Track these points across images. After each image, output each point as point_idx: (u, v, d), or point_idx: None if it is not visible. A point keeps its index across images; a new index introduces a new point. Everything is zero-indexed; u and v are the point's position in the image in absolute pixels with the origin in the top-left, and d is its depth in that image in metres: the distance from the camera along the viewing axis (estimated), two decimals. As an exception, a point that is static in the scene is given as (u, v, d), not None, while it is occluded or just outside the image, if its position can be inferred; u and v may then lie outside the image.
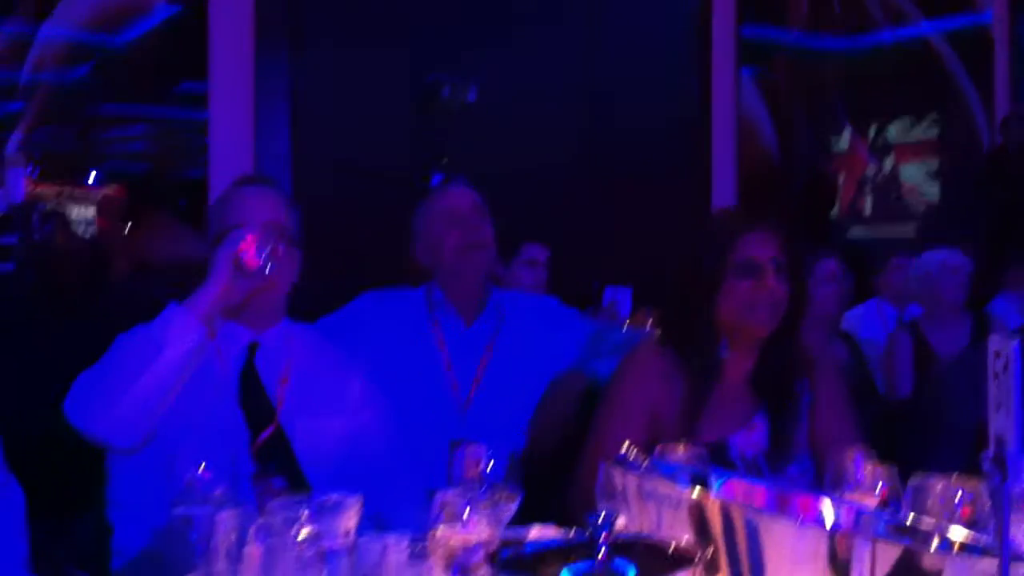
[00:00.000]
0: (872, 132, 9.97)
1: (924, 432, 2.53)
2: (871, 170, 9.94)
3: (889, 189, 10.15)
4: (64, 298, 4.70)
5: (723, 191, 8.58)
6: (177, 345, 1.90)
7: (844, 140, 10.22)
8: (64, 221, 6.91)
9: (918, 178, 10.14)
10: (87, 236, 7.17)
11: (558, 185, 7.20)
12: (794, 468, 2.14)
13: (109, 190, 8.03)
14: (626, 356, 2.29)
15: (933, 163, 10.02)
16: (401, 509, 2.07)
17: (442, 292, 2.70)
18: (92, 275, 6.54)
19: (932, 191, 10.03)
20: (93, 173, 7.98)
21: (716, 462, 1.94)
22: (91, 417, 1.89)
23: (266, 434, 2.03)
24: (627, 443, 1.44)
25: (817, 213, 9.72)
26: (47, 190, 7.64)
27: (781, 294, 2.12)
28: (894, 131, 10.14)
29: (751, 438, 2.15)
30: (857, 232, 9.94)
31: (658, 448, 1.67)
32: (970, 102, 9.92)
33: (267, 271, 1.97)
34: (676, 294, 2.23)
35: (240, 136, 6.66)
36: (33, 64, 6.88)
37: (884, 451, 1.78)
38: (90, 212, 7.56)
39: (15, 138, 7.02)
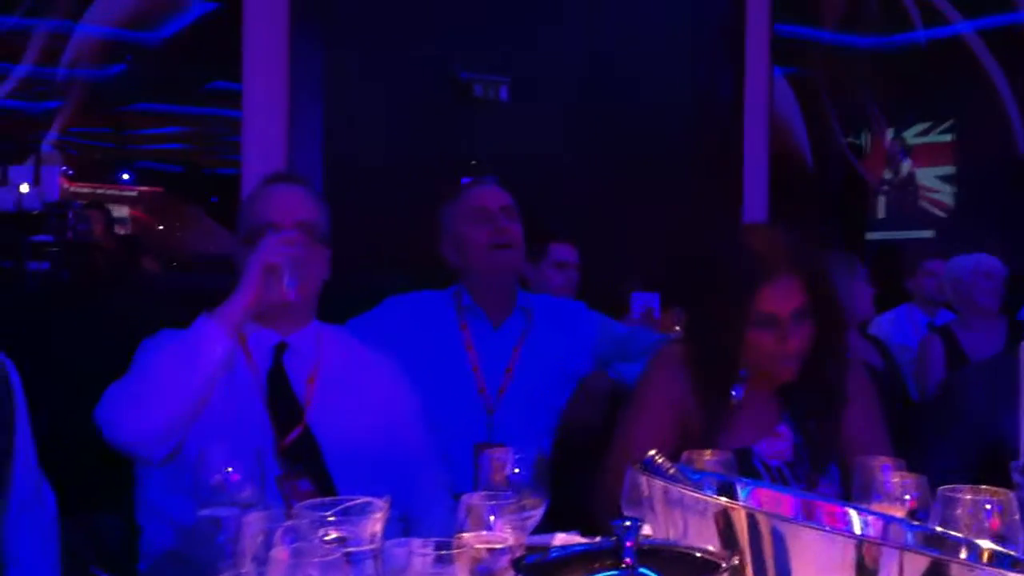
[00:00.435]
0: (891, 134, 9.95)
1: (935, 432, 2.52)
2: (888, 173, 9.91)
3: (905, 192, 10.11)
4: (98, 296, 4.75)
5: (755, 193, 8.53)
6: (207, 358, 1.91)
7: (867, 141, 10.18)
8: (99, 220, 6.98)
9: (935, 182, 10.13)
10: (122, 234, 7.24)
11: (588, 186, 7.19)
12: (823, 480, 2.12)
13: (144, 188, 8.10)
14: (652, 359, 2.27)
15: (950, 167, 10.00)
16: (428, 511, 2.08)
17: (470, 294, 2.70)
18: (126, 273, 6.60)
19: (949, 195, 10.02)
20: (128, 172, 8.07)
21: (738, 469, 1.94)
22: (122, 430, 1.90)
23: (294, 435, 2.03)
24: (654, 448, 1.43)
25: (850, 215, 9.66)
26: (82, 188, 7.72)
27: (804, 342, 2.08)
28: (913, 133, 10.12)
29: (775, 447, 2.13)
30: (871, 235, 9.93)
31: (685, 455, 1.67)
32: (1005, 103, 9.81)
33: (293, 294, 1.98)
34: (697, 333, 2.20)
35: (273, 134, 6.69)
36: (68, 62, 6.96)
37: (909, 454, 1.77)
38: (125, 210, 7.63)
39: (50, 136, 7.10)
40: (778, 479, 2.10)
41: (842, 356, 2.17)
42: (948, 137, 9.95)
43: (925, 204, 10.13)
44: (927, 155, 10.18)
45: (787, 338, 2.06)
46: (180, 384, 1.89)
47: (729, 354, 2.10)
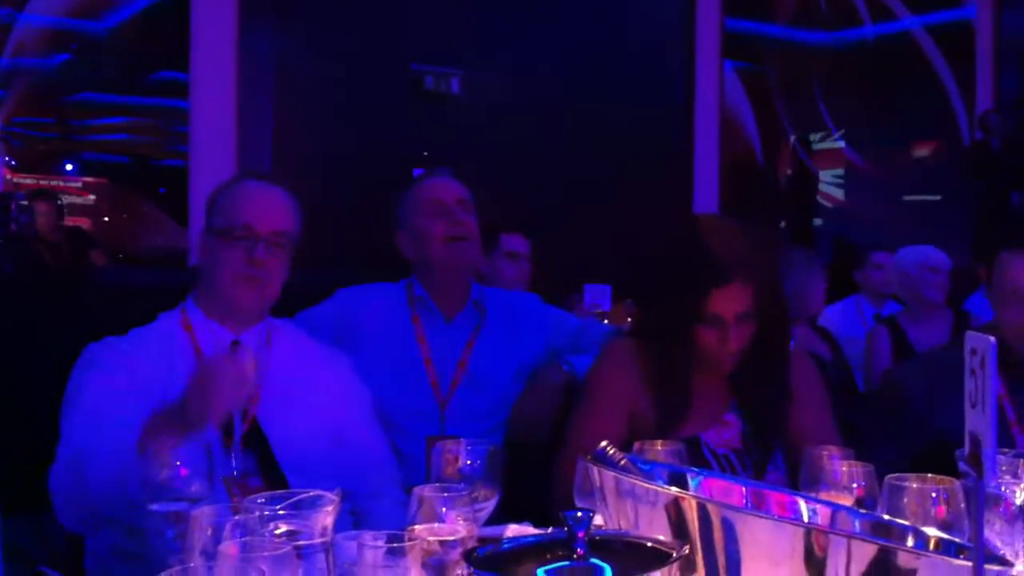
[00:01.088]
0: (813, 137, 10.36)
1: (877, 423, 2.56)
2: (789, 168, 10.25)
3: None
4: (42, 289, 4.67)
5: (706, 186, 8.60)
6: None
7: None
8: (43, 211, 6.87)
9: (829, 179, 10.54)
10: (66, 226, 7.13)
11: (540, 178, 7.20)
12: (770, 467, 2.16)
13: (89, 179, 7.98)
14: (601, 352, 2.30)
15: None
16: (379, 505, 2.07)
17: (422, 287, 2.68)
18: (71, 265, 6.50)
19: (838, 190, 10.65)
20: (73, 163, 7.94)
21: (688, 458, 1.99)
22: (73, 522, 1.89)
23: (241, 431, 2.01)
24: (605, 439, 1.44)
25: (799, 210, 9.77)
26: (26, 180, 7.59)
27: (744, 341, 2.14)
28: (818, 137, 10.65)
29: (723, 435, 2.17)
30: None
31: (636, 445, 1.67)
32: (950, 96, 9.96)
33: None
34: (649, 327, 2.25)
35: (222, 125, 6.63)
36: (11, 51, 6.83)
37: (855, 445, 1.80)
38: (69, 201, 7.52)
39: (-7, 127, 6.98)
40: (726, 467, 2.13)
41: (784, 348, 2.22)
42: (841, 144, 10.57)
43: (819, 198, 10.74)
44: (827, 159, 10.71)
45: (728, 339, 2.12)
46: (124, 485, 1.83)
47: (680, 348, 2.15)
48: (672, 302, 2.16)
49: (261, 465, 1.99)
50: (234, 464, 1.96)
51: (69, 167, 7.92)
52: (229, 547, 1.14)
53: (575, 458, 2.02)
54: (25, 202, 6.94)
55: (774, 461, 2.17)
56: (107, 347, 2.06)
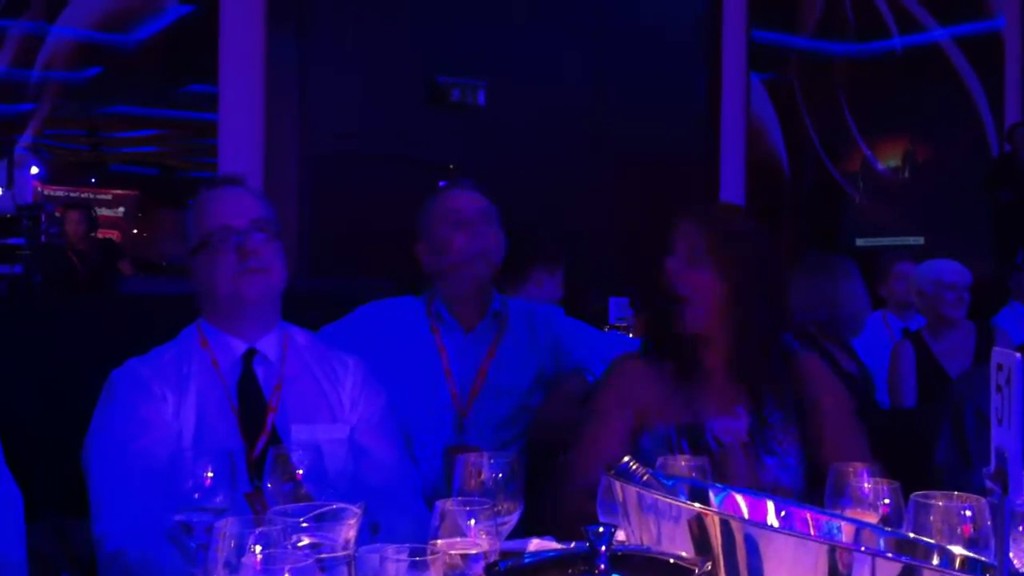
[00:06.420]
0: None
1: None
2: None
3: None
4: (72, 300, 4.71)
5: (732, 196, 8.58)
6: None
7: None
8: (72, 222, 6.93)
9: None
10: (95, 237, 7.20)
11: (564, 191, 7.21)
12: (772, 460, 2.13)
13: (118, 191, 8.05)
14: (609, 366, 2.29)
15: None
16: (399, 517, 2.06)
17: (442, 298, 2.67)
18: (99, 276, 6.56)
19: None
20: (102, 175, 8.02)
21: (689, 444, 2.02)
22: None
23: (261, 444, 2.00)
24: (614, 454, 1.44)
25: (825, 220, 9.72)
26: (56, 191, 7.68)
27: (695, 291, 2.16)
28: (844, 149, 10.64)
29: (731, 425, 2.14)
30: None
31: (659, 460, 1.67)
32: (978, 107, 9.89)
33: None
34: (651, 294, 2.28)
35: (250, 137, 6.68)
36: (43, 64, 6.91)
37: (889, 463, 1.77)
38: (99, 213, 7.60)
39: (24, 139, 7.05)
40: (729, 454, 2.11)
41: (758, 330, 2.20)
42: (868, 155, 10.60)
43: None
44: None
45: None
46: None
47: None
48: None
49: None
50: (255, 479, 1.95)
51: (96, 180, 8.00)
52: (252, 559, 1.15)
53: (580, 468, 2.05)
54: (57, 214, 7.02)
55: (782, 457, 2.15)
56: (129, 379, 2.03)
